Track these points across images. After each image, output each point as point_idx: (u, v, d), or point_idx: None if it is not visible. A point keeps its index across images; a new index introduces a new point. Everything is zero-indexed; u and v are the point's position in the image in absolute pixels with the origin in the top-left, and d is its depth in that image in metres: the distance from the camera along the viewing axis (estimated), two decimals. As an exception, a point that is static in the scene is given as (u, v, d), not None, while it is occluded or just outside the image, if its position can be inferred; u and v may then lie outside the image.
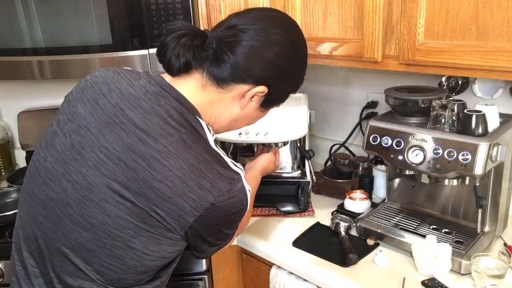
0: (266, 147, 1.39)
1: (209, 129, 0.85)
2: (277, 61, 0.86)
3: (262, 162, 1.28)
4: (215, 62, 0.84)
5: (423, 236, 1.14)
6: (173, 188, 0.76)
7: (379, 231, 1.22)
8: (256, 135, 1.31)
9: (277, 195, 1.43)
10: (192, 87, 0.86)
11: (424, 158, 1.09)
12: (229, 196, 0.80)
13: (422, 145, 1.10)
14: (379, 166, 1.45)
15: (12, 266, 0.89)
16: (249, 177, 1.11)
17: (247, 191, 0.85)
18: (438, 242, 1.10)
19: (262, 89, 0.86)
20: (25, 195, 0.86)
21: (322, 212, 1.41)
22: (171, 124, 0.79)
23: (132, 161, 0.76)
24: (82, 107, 0.83)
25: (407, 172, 1.18)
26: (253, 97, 0.88)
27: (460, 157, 1.03)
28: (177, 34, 0.82)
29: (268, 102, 0.92)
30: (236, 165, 0.84)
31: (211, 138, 0.84)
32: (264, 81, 0.86)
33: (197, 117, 0.84)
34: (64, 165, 0.80)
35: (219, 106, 0.88)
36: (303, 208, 1.41)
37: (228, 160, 0.84)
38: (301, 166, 1.52)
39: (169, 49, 0.82)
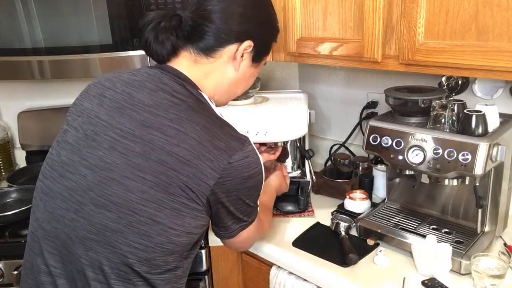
0: (267, 147, 1.39)
1: (211, 101, 0.89)
2: (246, 11, 0.91)
3: (274, 180, 1.28)
4: (197, 35, 0.89)
5: (423, 236, 1.14)
6: (190, 150, 0.78)
7: (379, 231, 1.22)
8: (256, 134, 1.31)
9: (277, 195, 1.43)
10: (185, 65, 0.90)
11: (424, 158, 1.09)
12: (244, 155, 0.82)
13: (422, 145, 1.10)
14: (379, 166, 1.45)
15: (28, 271, 0.88)
16: (265, 192, 1.14)
17: (259, 156, 0.88)
18: (438, 242, 1.10)
19: (248, 43, 0.91)
20: (39, 195, 0.87)
21: (322, 212, 1.41)
22: (177, 96, 0.84)
23: (147, 134, 0.79)
24: (89, 103, 0.87)
25: (407, 172, 1.18)
26: (243, 55, 0.92)
27: (460, 157, 1.03)
28: (153, 24, 0.87)
29: (258, 55, 0.96)
30: (242, 132, 0.87)
31: (215, 107, 0.88)
32: (246, 35, 0.91)
33: (199, 90, 0.89)
34: (79, 154, 0.82)
35: (214, 75, 0.92)
36: (303, 208, 1.41)
37: (236, 126, 0.87)
38: (301, 166, 1.52)
39: (152, 40, 0.88)
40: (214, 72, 0.92)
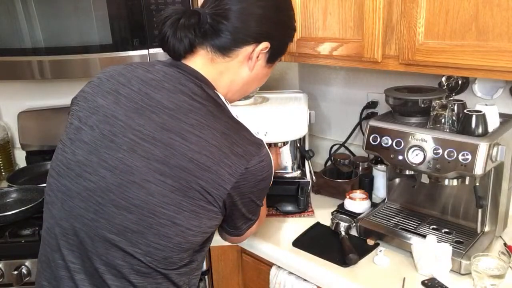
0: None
1: (226, 101, 0.89)
2: (266, 13, 0.90)
3: None
4: (215, 34, 0.88)
5: (423, 236, 1.14)
6: (211, 157, 0.79)
7: (379, 231, 1.22)
8: (256, 135, 1.30)
9: (277, 195, 1.43)
10: (201, 64, 0.90)
11: (424, 158, 1.09)
12: (259, 159, 0.84)
13: (422, 145, 1.10)
14: (379, 166, 1.45)
15: (45, 265, 0.88)
16: None
17: (271, 157, 0.89)
18: (438, 242, 1.10)
19: (265, 45, 0.91)
20: (55, 193, 0.86)
21: (322, 212, 1.41)
22: (196, 99, 0.84)
23: (167, 138, 0.79)
24: (103, 100, 0.85)
25: (407, 172, 1.18)
26: (258, 56, 0.92)
27: (460, 157, 1.03)
28: (173, 20, 0.86)
29: (273, 56, 0.96)
30: (257, 133, 0.88)
31: (231, 109, 0.88)
32: (264, 36, 0.91)
33: (215, 91, 0.89)
34: (98, 154, 0.81)
35: (228, 74, 0.92)
36: (303, 208, 1.41)
37: (250, 128, 0.87)
38: (301, 166, 1.52)
39: (170, 36, 0.87)
40: (229, 71, 0.92)
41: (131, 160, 0.79)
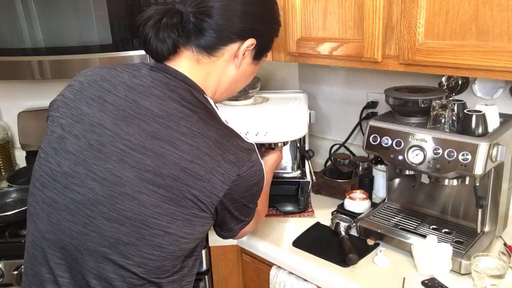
0: (266, 147, 1.39)
1: (216, 107, 0.88)
2: (248, 8, 0.88)
3: (270, 160, 1.28)
4: (199, 33, 0.86)
5: (423, 236, 1.14)
6: (203, 166, 0.77)
7: (379, 231, 1.22)
8: (256, 135, 1.31)
9: (277, 195, 1.43)
10: (187, 65, 0.87)
11: (424, 158, 1.09)
12: (250, 165, 0.82)
13: (422, 145, 1.10)
14: (379, 166, 1.45)
15: (31, 278, 0.86)
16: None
17: (262, 161, 0.88)
18: (438, 242, 1.10)
19: (251, 41, 0.89)
20: (40, 206, 0.83)
21: (322, 212, 1.41)
22: (187, 106, 0.81)
23: (158, 147, 0.77)
24: (87, 107, 0.82)
25: (407, 172, 1.18)
26: (244, 53, 0.90)
27: (460, 157, 1.03)
28: (154, 20, 0.83)
29: (260, 53, 0.94)
30: (247, 138, 0.87)
31: (221, 114, 0.86)
32: (249, 32, 0.89)
33: (205, 95, 0.87)
34: (85, 166, 0.78)
35: (215, 74, 0.90)
36: (303, 208, 1.41)
37: (241, 133, 0.86)
38: (301, 166, 1.52)
39: (152, 37, 0.83)
40: (216, 71, 0.89)
41: (121, 171, 0.77)
